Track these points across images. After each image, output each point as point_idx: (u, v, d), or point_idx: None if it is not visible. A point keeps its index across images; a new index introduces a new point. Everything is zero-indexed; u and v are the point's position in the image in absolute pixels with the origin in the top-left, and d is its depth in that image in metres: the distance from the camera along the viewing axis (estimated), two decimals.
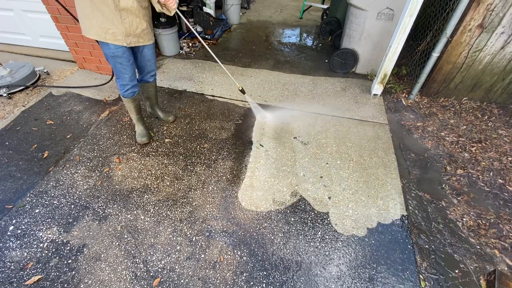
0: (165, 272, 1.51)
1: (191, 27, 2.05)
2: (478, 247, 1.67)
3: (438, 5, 2.66)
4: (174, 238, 1.67)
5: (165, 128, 2.48)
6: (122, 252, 1.59)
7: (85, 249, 1.60)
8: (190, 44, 3.91)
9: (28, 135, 2.35)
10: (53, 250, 1.59)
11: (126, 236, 1.67)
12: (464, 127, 2.57)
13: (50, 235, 1.66)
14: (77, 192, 1.91)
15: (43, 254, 1.57)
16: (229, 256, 1.59)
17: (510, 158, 2.24)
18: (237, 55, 3.80)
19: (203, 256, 1.59)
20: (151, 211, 1.81)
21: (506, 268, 1.58)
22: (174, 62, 3.54)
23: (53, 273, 1.49)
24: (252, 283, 1.48)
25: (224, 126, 2.52)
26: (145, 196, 1.90)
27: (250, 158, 2.20)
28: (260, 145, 2.33)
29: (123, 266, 1.53)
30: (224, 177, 2.05)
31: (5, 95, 2.73)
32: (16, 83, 2.80)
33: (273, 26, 4.83)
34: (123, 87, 1.98)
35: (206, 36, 4.08)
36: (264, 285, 1.48)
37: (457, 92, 2.85)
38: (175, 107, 2.74)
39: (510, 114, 2.71)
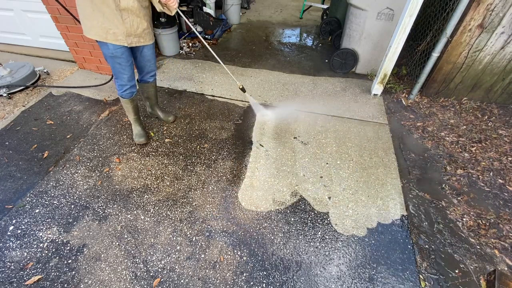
0: (165, 272, 1.51)
1: (192, 26, 2.05)
2: (478, 247, 1.67)
3: (438, 5, 2.66)
4: (174, 238, 1.67)
5: (165, 128, 2.48)
6: (122, 252, 1.59)
7: (85, 249, 1.60)
8: (190, 44, 3.91)
9: (28, 135, 2.35)
10: (53, 250, 1.59)
11: (126, 236, 1.67)
12: (464, 127, 2.57)
13: (50, 235, 1.66)
14: (77, 192, 1.91)
15: (43, 254, 1.57)
16: (229, 256, 1.59)
17: (510, 158, 2.24)
18: (237, 55, 3.80)
19: (203, 256, 1.59)
20: (151, 211, 1.81)
21: (506, 268, 1.58)
22: (174, 62, 3.54)
23: (53, 273, 1.49)
24: (252, 283, 1.48)
25: (224, 126, 2.52)
26: (145, 196, 1.90)
27: (250, 158, 2.20)
28: (260, 145, 2.33)
29: (123, 266, 1.53)
30: (224, 177, 2.05)
31: (5, 95, 2.73)
32: (16, 83, 2.80)
33: (273, 26, 4.83)
34: (121, 87, 1.98)
35: (206, 36, 4.08)
36: (264, 285, 1.48)
37: (457, 92, 2.85)
38: (175, 107, 2.74)
39: (510, 114, 2.71)
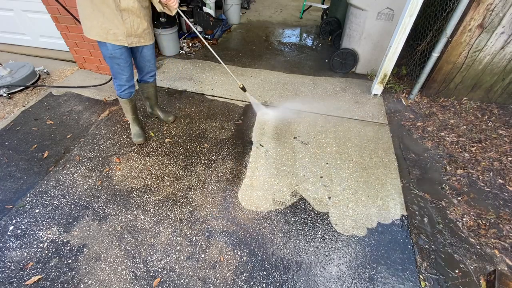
0: (165, 272, 1.51)
1: (192, 26, 2.05)
2: (478, 247, 1.67)
3: (438, 5, 2.66)
4: (174, 238, 1.67)
5: (165, 128, 2.48)
6: (122, 252, 1.59)
7: (85, 249, 1.60)
8: (190, 44, 3.91)
9: (28, 135, 2.35)
10: (53, 250, 1.59)
11: (126, 236, 1.67)
12: (464, 127, 2.57)
13: (50, 235, 1.66)
14: (77, 192, 1.91)
15: (43, 254, 1.57)
16: (229, 256, 1.59)
17: (510, 158, 2.24)
18: (237, 55, 3.80)
19: (203, 256, 1.59)
20: (151, 211, 1.81)
21: (506, 268, 1.58)
22: (174, 62, 3.54)
23: (53, 273, 1.49)
24: (252, 283, 1.48)
25: (224, 126, 2.52)
26: (145, 196, 1.90)
27: (250, 158, 2.20)
28: (260, 145, 2.33)
29: (123, 266, 1.53)
30: (224, 177, 2.05)
31: (5, 95, 2.73)
32: (16, 83, 2.80)
33: (273, 26, 4.83)
34: (120, 88, 1.98)
35: (206, 36, 4.08)
36: (264, 285, 1.48)
37: (457, 92, 2.85)
38: (175, 107, 2.74)
39: (510, 114, 2.71)
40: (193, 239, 1.67)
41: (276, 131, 2.47)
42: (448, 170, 2.16)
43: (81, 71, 3.24)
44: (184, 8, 3.80)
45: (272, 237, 1.69)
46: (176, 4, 1.75)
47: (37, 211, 1.79)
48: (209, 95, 2.92)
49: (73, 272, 1.50)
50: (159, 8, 1.75)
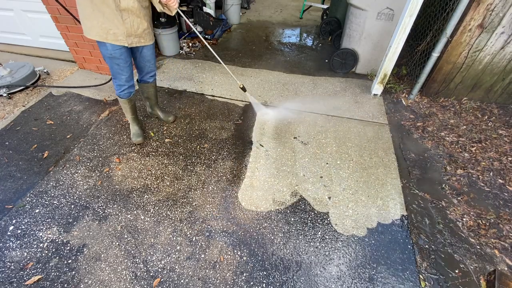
0: (165, 272, 1.51)
1: (192, 27, 2.05)
2: (478, 247, 1.67)
3: (438, 5, 2.66)
4: (174, 238, 1.67)
5: (165, 128, 2.48)
6: (122, 252, 1.59)
7: (85, 249, 1.60)
8: (190, 44, 3.91)
9: (28, 135, 2.35)
10: (53, 250, 1.59)
11: (126, 236, 1.67)
12: (464, 127, 2.57)
13: (50, 235, 1.66)
14: (77, 192, 1.91)
15: (43, 254, 1.57)
16: (229, 256, 1.59)
17: (510, 158, 2.24)
18: (237, 55, 3.80)
19: (203, 256, 1.59)
20: (151, 211, 1.81)
21: (506, 268, 1.58)
22: (174, 62, 3.54)
23: (53, 273, 1.49)
24: (252, 283, 1.48)
25: (224, 126, 2.52)
26: (145, 196, 1.90)
27: (250, 158, 2.20)
28: (260, 145, 2.33)
29: (123, 266, 1.53)
30: (224, 177, 2.05)
31: (5, 95, 2.73)
32: (16, 83, 2.80)
33: (273, 26, 4.83)
34: (119, 88, 1.98)
35: (206, 36, 4.08)
36: (264, 285, 1.48)
37: (457, 92, 2.85)
38: (175, 107, 2.74)
39: (510, 114, 2.71)
40: (193, 239, 1.67)
41: (276, 131, 2.47)
42: (448, 170, 2.16)
43: (81, 71, 3.25)
44: (184, 8, 3.80)
45: (272, 237, 1.69)
46: (176, 4, 1.75)
47: (37, 211, 1.79)
48: (209, 95, 2.92)
49: (73, 272, 1.50)
50: (159, 8, 1.75)
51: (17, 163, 2.11)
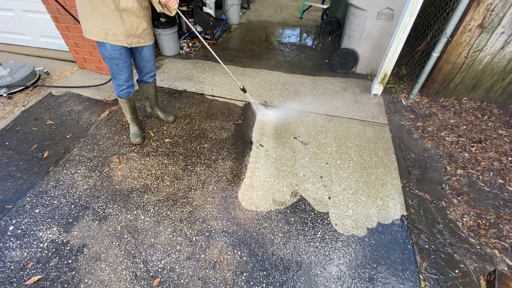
0: (165, 272, 1.51)
1: (192, 27, 2.05)
2: (478, 247, 1.67)
3: (438, 5, 2.66)
4: (174, 238, 1.67)
5: (165, 128, 2.48)
6: (122, 252, 1.59)
7: (85, 249, 1.60)
8: (190, 44, 3.91)
9: (28, 135, 2.35)
10: (53, 250, 1.59)
11: (126, 236, 1.67)
12: (464, 127, 2.57)
13: (50, 235, 1.66)
14: (77, 192, 1.91)
15: (43, 254, 1.57)
16: (229, 256, 1.59)
17: (510, 158, 2.24)
18: (237, 55, 3.80)
19: (203, 256, 1.59)
20: (151, 211, 1.81)
21: (506, 268, 1.58)
22: (174, 62, 3.54)
23: (53, 273, 1.49)
24: (252, 283, 1.48)
25: (224, 126, 2.52)
26: (145, 196, 1.90)
27: (250, 158, 2.20)
28: (260, 145, 2.33)
29: (123, 266, 1.53)
30: (224, 177, 2.05)
31: (5, 95, 2.73)
32: (16, 83, 2.80)
33: (273, 26, 4.83)
34: (118, 87, 1.98)
35: (206, 36, 4.08)
36: (264, 285, 1.48)
37: (457, 92, 2.85)
38: (175, 107, 2.74)
39: (510, 114, 2.71)
40: (193, 239, 1.67)
41: (276, 131, 2.47)
42: (448, 170, 2.16)
43: (81, 71, 3.25)
44: (184, 8, 3.80)
45: (272, 237, 1.69)
46: (176, 5, 1.75)
47: (37, 211, 1.79)
48: (209, 95, 2.92)
49: (73, 272, 1.50)
50: (158, 8, 1.74)
51: (17, 163, 2.11)
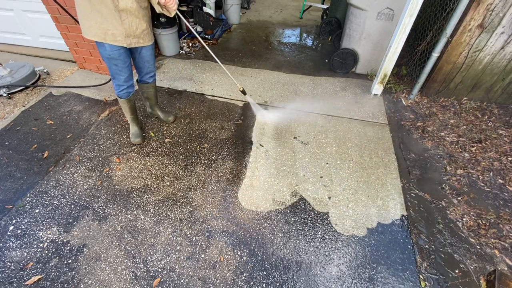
0: (165, 272, 1.51)
1: (191, 28, 2.05)
2: (478, 247, 1.67)
3: (438, 5, 2.65)
4: (174, 238, 1.67)
5: (165, 128, 2.48)
6: (122, 252, 1.59)
7: (85, 249, 1.60)
8: (190, 44, 3.91)
9: (28, 135, 2.35)
10: (53, 250, 1.59)
11: (126, 236, 1.67)
12: (464, 127, 2.57)
13: (50, 235, 1.66)
14: (77, 192, 1.91)
15: (43, 254, 1.57)
16: (229, 256, 1.59)
17: (510, 158, 2.24)
18: (237, 55, 3.80)
19: (203, 256, 1.59)
20: (151, 211, 1.81)
21: (506, 268, 1.58)
22: (174, 62, 3.54)
23: (53, 273, 1.49)
24: (252, 283, 1.48)
25: (224, 126, 2.52)
26: (145, 196, 1.90)
27: (250, 158, 2.20)
28: (260, 145, 2.33)
29: (123, 266, 1.53)
30: (224, 177, 2.05)
31: (5, 95, 2.73)
32: (16, 83, 2.80)
33: (273, 26, 4.83)
34: (118, 87, 1.98)
35: (206, 36, 4.08)
36: (264, 285, 1.48)
37: (457, 92, 2.85)
38: (175, 107, 2.74)
39: (510, 114, 2.71)
40: (193, 239, 1.67)
41: (276, 131, 2.47)
42: (448, 170, 2.16)
43: (81, 71, 3.25)
44: (184, 8, 3.80)
45: (272, 237, 1.69)
46: (175, 6, 1.74)
47: (37, 211, 1.79)
48: (209, 95, 2.92)
49: (73, 272, 1.50)
50: (158, 9, 1.74)
51: (17, 163, 2.11)
